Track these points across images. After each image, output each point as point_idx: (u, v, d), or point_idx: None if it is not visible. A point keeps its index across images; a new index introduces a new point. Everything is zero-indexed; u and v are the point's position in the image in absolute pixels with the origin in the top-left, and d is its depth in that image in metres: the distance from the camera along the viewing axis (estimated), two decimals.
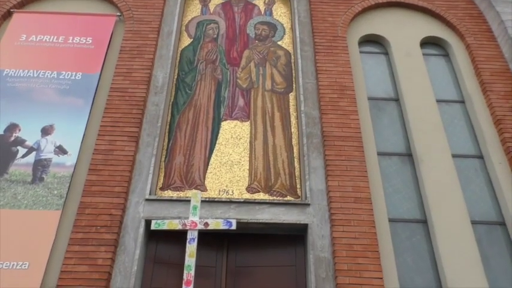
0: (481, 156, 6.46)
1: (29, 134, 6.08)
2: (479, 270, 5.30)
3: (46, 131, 6.12)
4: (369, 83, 7.22)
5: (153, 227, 5.14)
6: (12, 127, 6.13)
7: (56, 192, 5.57)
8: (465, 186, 6.08)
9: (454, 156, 6.31)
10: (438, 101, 6.93)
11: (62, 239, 5.22)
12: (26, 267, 4.95)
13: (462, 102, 7.08)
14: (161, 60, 7.07)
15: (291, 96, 6.96)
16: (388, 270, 5.21)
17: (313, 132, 6.33)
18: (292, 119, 6.69)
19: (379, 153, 6.32)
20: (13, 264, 4.96)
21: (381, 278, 5.06)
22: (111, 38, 7.24)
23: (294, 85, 7.09)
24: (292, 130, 6.57)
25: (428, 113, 6.70)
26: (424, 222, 5.82)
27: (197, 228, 5.08)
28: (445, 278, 5.26)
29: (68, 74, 6.72)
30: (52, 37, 7.16)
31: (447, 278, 5.24)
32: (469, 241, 5.52)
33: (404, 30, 7.77)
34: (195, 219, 5.12)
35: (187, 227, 5.09)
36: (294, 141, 6.45)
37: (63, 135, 6.08)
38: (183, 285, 4.72)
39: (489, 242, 5.69)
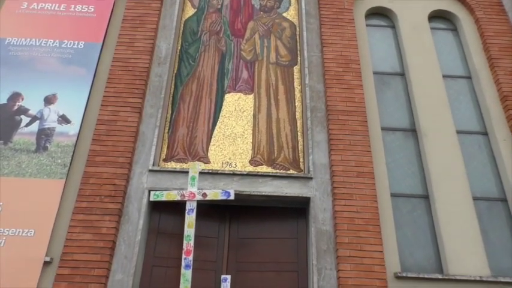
0: (485, 133, 6.43)
1: (32, 103, 6.06)
2: (478, 245, 5.37)
3: (49, 100, 6.09)
4: (375, 57, 7.12)
5: (152, 198, 5.18)
6: (15, 96, 6.10)
7: (59, 161, 5.59)
8: (468, 162, 6.08)
9: (458, 132, 6.29)
10: (444, 76, 6.85)
11: (66, 207, 5.28)
12: (32, 235, 5.03)
13: (469, 77, 6.99)
14: (164, 30, 6.95)
15: (296, 69, 6.88)
16: (388, 244, 5.28)
17: (317, 106, 6.28)
18: (296, 93, 6.63)
19: (383, 128, 6.30)
20: (19, 232, 5.03)
21: (381, 251, 5.13)
22: (113, 6, 7.11)
23: (298, 58, 6.99)
24: (296, 104, 6.53)
25: (434, 88, 6.63)
26: (425, 197, 5.85)
27: (195, 199, 5.11)
28: (444, 252, 5.33)
29: (70, 42, 6.64)
30: (53, 5, 7.04)
31: (446, 252, 5.31)
32: (469, 216, 5.56)
33: (412, 4, 7.60)
34: (193, 190, 5.15)
35: (186, 198, 5.12)
36: (298, 115, 6.42)
37: (66, 105, 6.05)
38: (183, 254, 4.79)
39: (489, 218, 5.73)
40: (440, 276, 5.10)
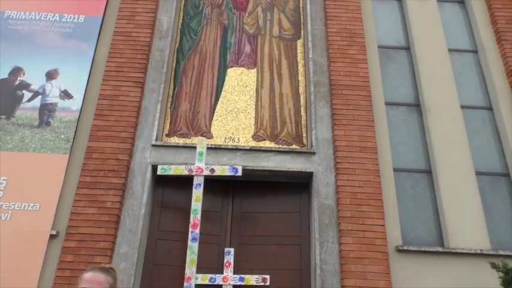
0: (490, 108, 6.37)
1: (34, 78, 6.02)
2: (480, 219, 5.40)
3: (51, 76, 6.05)
4: (380, 30, 6.99)
5: (159, 172, 5.19)
6: (16, 71, 6.05)
7: (63, 136, 5.60)
8: (472, 137, 6.04)
9: (462, 107, 6.23)
10: (450, 50, 6.75)
11: (70, 182, 5.32)
12: (37, 209, 5.08)
13: (475, 52, 6.88)
14: (165, 3, 6.83)
15: (299, 43, 6.78)
16: (390, 218, 5.31)
17: (320, 81, 6.22)
18: (299, 67, 6.56)
19: (387, 103, 6.25)
20: (24, 206, 5.09)
21: (383, 225, 5.18)
22: None
23: (302, 31, 6.88)
24: (300, 78, 6.46)
25: (439, 62, 6.54)
26: (428, 172, 5.85)
27: (203, 174, 5.12)
28: (446, 226, 5.37)
29: (71, 16, 6.54)
30: None
31: (448, 226, 5.35)
32: (472, 191, 5.57)
33: None
34: (201, 166, 5.16)
35: (194, 173, 5.13)
36: (301, 90, 6.37)
37: (68, 80, 6.01)
38: (190, 228, 4.84)
39: (492, 193, 5.75)
40: (441, 250, 5.16)
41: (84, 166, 5.36)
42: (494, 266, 4.48)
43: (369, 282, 4.84)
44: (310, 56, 6.38)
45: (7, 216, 5.02)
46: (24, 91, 5.93)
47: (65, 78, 6.03)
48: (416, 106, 6.36)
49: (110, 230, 4.99)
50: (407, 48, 6.87)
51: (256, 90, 6.35)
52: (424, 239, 5.44)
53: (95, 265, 2.18)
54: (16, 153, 5.43)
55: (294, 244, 5.47)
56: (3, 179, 5.22)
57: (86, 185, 5.24)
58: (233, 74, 6.47)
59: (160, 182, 5.63)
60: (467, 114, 6.24)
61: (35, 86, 5.97)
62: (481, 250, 5.13)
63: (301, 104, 6.25)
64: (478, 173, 5.76)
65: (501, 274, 4.43)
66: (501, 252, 5.11)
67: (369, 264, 4.93)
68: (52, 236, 4.99)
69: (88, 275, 2.04)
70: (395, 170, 5.73)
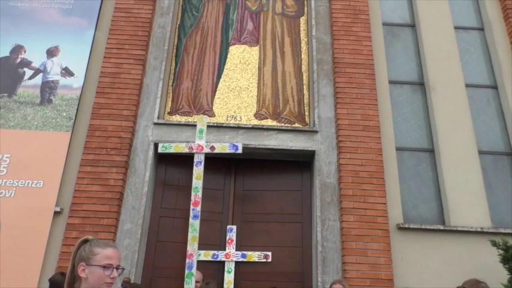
0: (495, 87, 6.31)
1: (35, 55, 5.96)
2: (482, 197, 5.41)
3: (51, 53, 6.00)
4: (385, 7, 6.87)
5: (160, 149, 5.19)
6: (17, 48, 6.00)
7: (64, 114, 5.59)
8: (476, 116, 6.01)
9: (467, 86, 6.17)
10: (456, 27, 6.63)
11: (73, 160, 5.34)
12: (41, 186, 5.12)
13: (481, 29, 6.76)
14: None
15: (302, 20, 6.68)
16: (392, 197, 5.33)
17: (323, 59, 6.15)
18: (302, 45, 6.48)
19: (391, 82, 6.19)
20: (28, 183, 5.12)
21: (385, 204, 5.20)
22: None
23: (305, 8, 6.77)
24: (302, 56, 6.39)
25: (444, 40, 6.44)
26: (431, 151, 5.84)
27: (203, 151, 5.11)
28: (447, 204, 5.39)
29: None
30: None
31: (450, 205, 5.37)
32: (474, 170, 5.57)
33: None
34: (201, 143, 5.15)
35: (194, 151, 5.13)
36: (304, 68, 6.30)
37: (69, 57, 5.96)
38: (191, 205, 4.87)
39: (494, 172, 5.75)
40: (442, 227, 5.19)
41: (87, 144, 5.37)
42: (494, 243, 4.53)
43: (370, 259, 4.90)
44: (314, 33, 6.29)
45: (11, 193, 5.06)
46: (25, 69, 5.90)
47: (66, 55, 5.98)
48: (420, 84, 6.30)
49: (113, 207, 5.04)
50: (413, 26, 6.76)
51: (259, 68, 6.29)
52: (425, 217, 5.47)
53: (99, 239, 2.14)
54: (18, 131, 5.44)
55: (296, 222, 5.51)
56: (6, 157, 5.24)
57: (89, 162, 5.26)
58: (235, 52, 6.40)
59: (163, 160, 5.65)
60: (471, 93, 6.18)
61: (36, 64, 5.93)
62: (481, 228, 5.16)
63: (304, 82, 6.20)
64: (481, 152, 5.75)
65: (501, 251, 4.49)
66: (501, 230, 5.15)
67: (369, 242, 4.98)
68: (56, 213, 5.04)
69: (109, 252, 1.84)
70: (397, 148, 5.73)
